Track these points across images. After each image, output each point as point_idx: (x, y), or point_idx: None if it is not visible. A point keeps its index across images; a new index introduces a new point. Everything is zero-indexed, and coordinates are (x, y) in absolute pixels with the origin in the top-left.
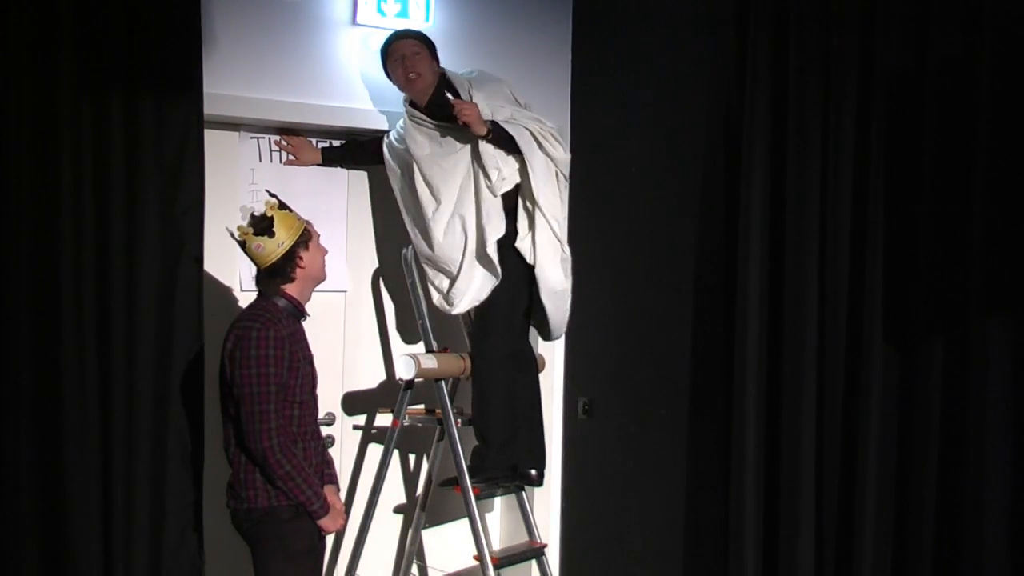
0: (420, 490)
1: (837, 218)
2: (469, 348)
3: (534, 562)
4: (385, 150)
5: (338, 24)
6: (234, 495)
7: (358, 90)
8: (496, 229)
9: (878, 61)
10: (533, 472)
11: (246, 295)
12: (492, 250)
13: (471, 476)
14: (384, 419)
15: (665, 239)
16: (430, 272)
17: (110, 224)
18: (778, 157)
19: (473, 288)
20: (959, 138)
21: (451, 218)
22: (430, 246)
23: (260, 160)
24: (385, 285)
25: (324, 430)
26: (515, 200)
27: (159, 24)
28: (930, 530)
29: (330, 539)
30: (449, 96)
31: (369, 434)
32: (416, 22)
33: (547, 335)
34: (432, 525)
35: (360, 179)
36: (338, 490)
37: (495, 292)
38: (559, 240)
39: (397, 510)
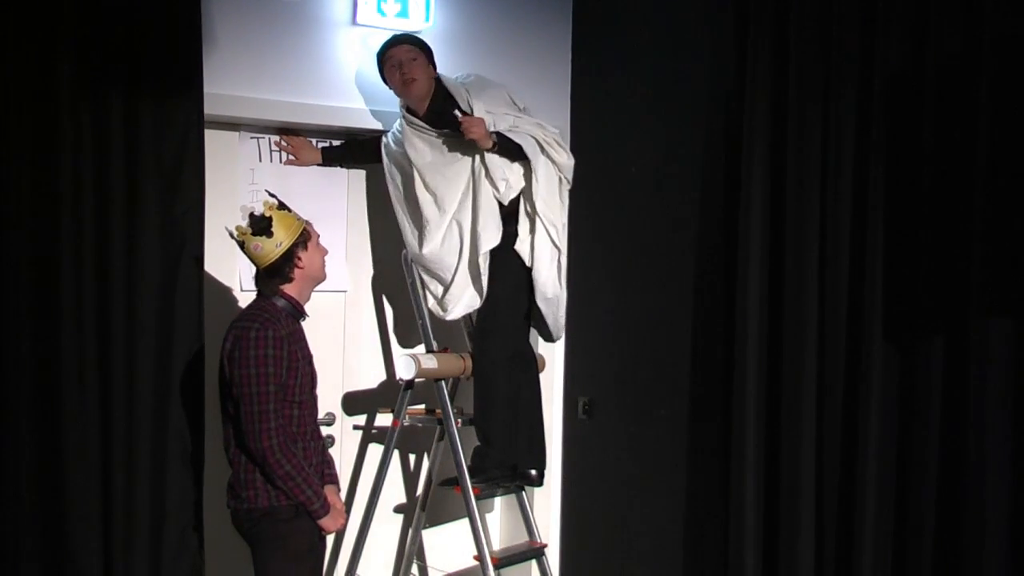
0: (420, 490)
1: (837, 218)
2: (469, 348)
3: (534, 562)
4: (383, 152)
5: (338, 24)
6: (234, 495)
7: (358, 90)
8: (492, 238)
9: (878, 61)
10: (533, 472)
11: (246, 295)
12: (483, 260)
13: (471, 476)
14: (384, 419)
15: (665, 239)
16: (425, 277)
17: (110, 224)
18: (778, 157)
19: (467, 295)
20: (959, 138)
21: (449, 225)
22: (425, 252)
23: (260, 160)
24: (385, 285)
25: (324, 430)
26: (516, 203)
27: (159, 24)
28: (930, 530)
29: (330, 539)
30: (457, 113)
31: (369, 434)
32: (416, 22)
33: (547, 337)
34: (432, 525)
35: (360, 179)
36: (338, 490)
37: (497, 293)
38: (557, 247)
39: (397, 510)
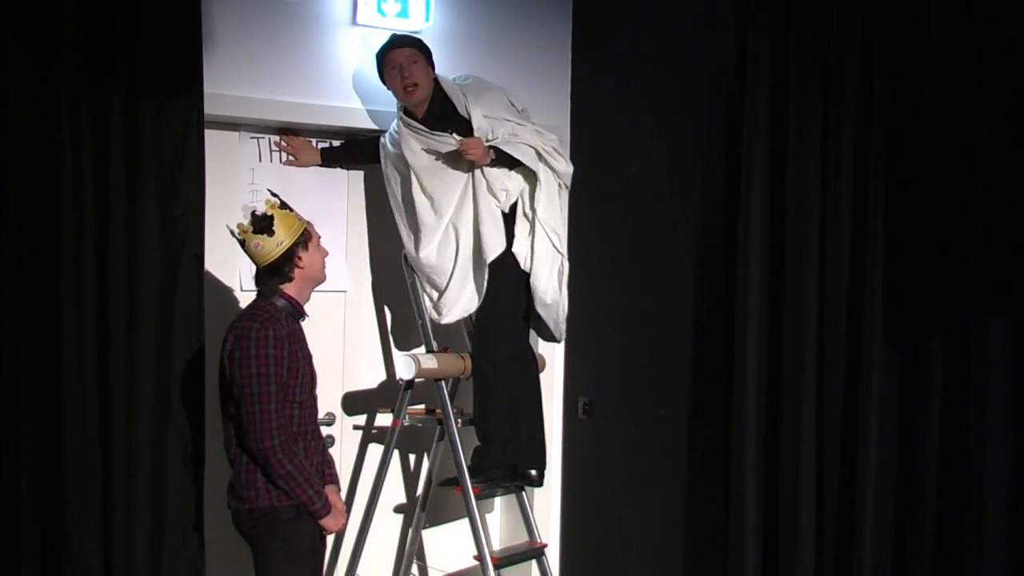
0: (420, 490)
1: (837, 218)
2: (469, 348)
3: (534, 562)
4: (381, 152)
5: (338, 24)
6: (235, 495)
7: (358, 90)
8: (497, 246)
9: (878, 61)
10: (533, 472)
11: (246, 295)
12: (486, 268)
13: (471, 476)
14: (384, 419)
15: (665, 239)
16: (422, 280)
17: (110, 224)
18: (778, 157)
19: (463, 300)
20: (959, 138)
21: (446, 230)
22: (420, 255)
23: (260, 160)
24: (385, 285)
25: (324, 430)
26: (514, 205)
27: (159, 24)
28: (930, 530)
29: (330, 539)
30: (456, 138)
31: (369, 434)
32: (416, 22)
33: (549, 338)
34: (432, 525)
35: (360, 179)
36: (339, 490)
37: (497, 293)
38: (559, 252)
39: (397, 510)
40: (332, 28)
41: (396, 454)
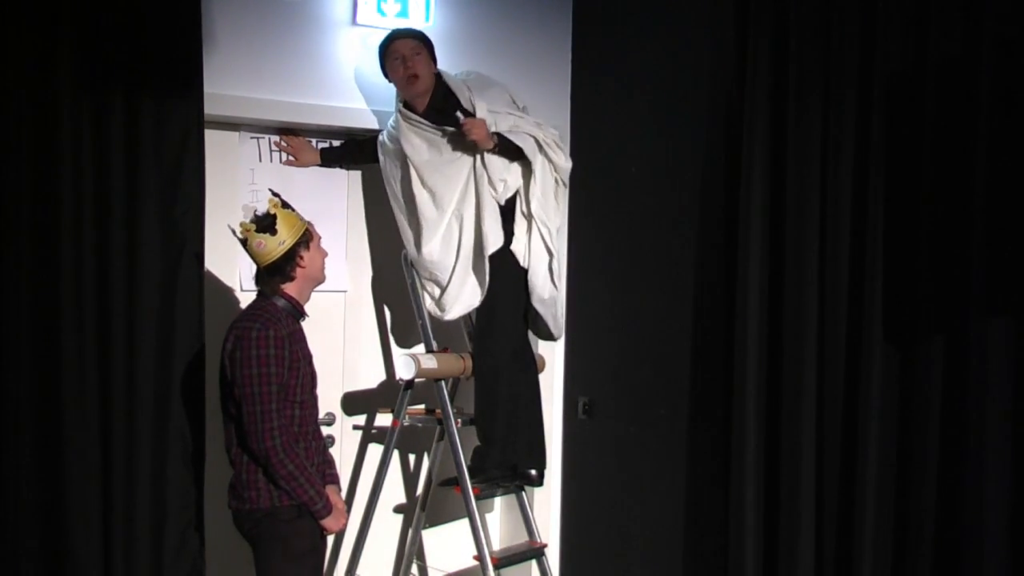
0: (420, 490)
1: (837, 218)
2: (469, 348)
3: (534, 562)
4: (379, 150)
5: (338, 24)
6: (236, 495)
7: (358, 90)
8: (496, 239)
9: (878, 61)
10: (533, 472)
11: (246, 295)
12: (487, 261)
13: (471, 476)
14: (384, 419)
15: (665, 239)
16: (422, 278)
17: (110, 224)
18: (778, 157)
19: (465, 295)
20: (959, 138)
21: (448, 225)
22: (423, 252)
23: (260, 160)
24: (385, 285)
25: (324, 430)
26: (512, 203)
27: (159, 24)
28: (930, 530)
29: (330, 539)
30: (460, 115)
31: (369, 434)
32: (416, 22)
33: (547, 336)
34: (432, 525)
35: (360, 180)
36: (339, 490)
37: (496, 292)
38: (549, 250)
39: (397, 510)
40: (332, 28)
41: (396, 454)
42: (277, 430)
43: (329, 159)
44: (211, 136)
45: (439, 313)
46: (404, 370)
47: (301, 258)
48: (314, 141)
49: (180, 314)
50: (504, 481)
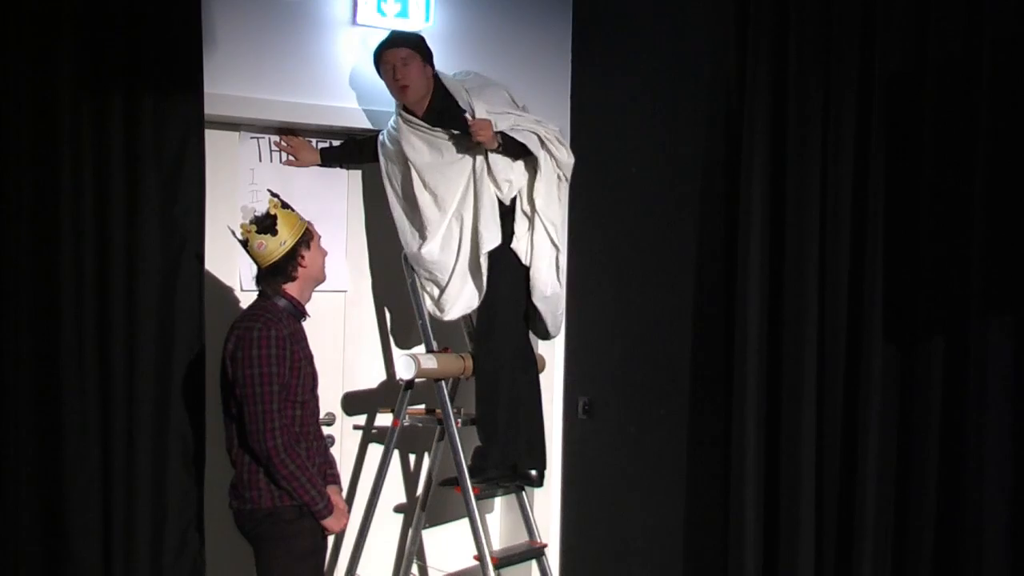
0: (420, 490)
1: (837, 218)
2: (470, 348)
3: (534, 562)
4: (379, 150)
5: (338, 24)
6: (237, 495)
7: (358, 90)
8: (493, 238)
9: (878, 61)
10: (533, 472)
11: (246, 295)
12: (483, 260)
13: (471, 476)
14: (384, 419)
15: (665, 239)
16: (422, 278)
17: (110, 224)
18: (778, 157)
19: (465, 296)
20: (959, 138)
21: (449, 225)
22: (423, 253)
23: (260, 160)
24: (385, 285)
25: (324, 430)
26: (513, 201)
27: (159, 24)
28: (930, 530)
29: (330, 539)
30: (468, 116)
31: (369, 434)
32: (416, 22)
33: (543, 334)
34: (432, 525)
35: (360, 180)
36: (340, 490)
37: (496, 292)
38: (555, 245)
39: (397, 510)
40: (332, 28)
41: (396, 454)
42: (278, 430)
43: (329, 159)
44: (211, 136)
45: (438, 314)
46: (404, 370)
47: (302, 258)
48: (314, 141)
49: (180, 314)
50: (504, 481)
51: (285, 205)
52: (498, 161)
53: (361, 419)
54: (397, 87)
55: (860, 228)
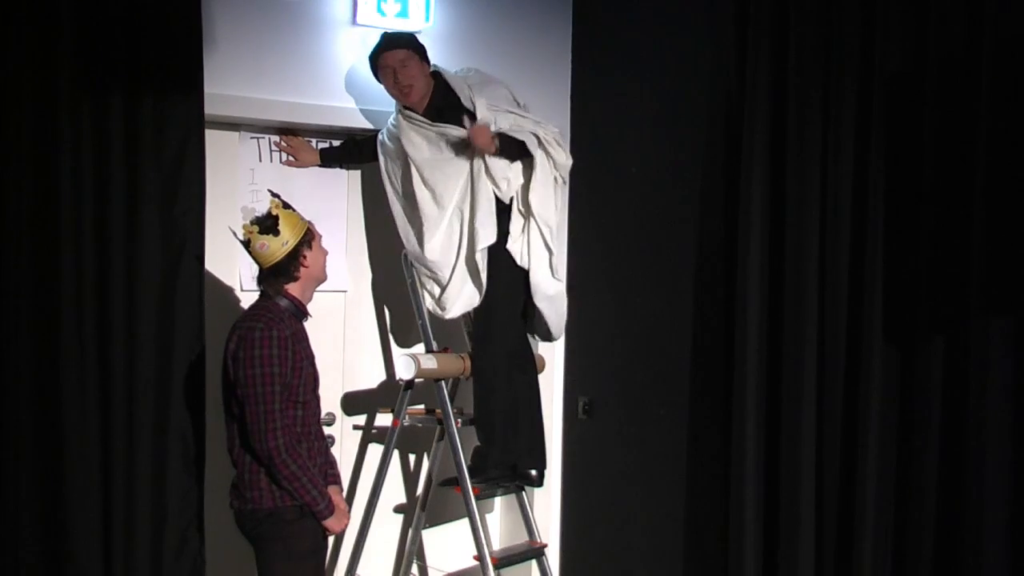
0: (420, 490)
1: (837, 218)
2: (470, 348)
3: (534, 562)
4: (379, 149)
5: (338, 24)
6: (238, 495)
7: (358, 90)
8: (488, 235)
9: (878, 60)
10: (533, 472)
11: (246, 295)
12: (480, 257)
13: (471, 476)
14: (384, 419)
15: (665, 239)
16: (423, 276)
17: (110, 224)
18: (778, 157)
19: (466, 293)
20: (959, 138)
21: (449, 223)
22: (424, 251)
23: (260, 160)
24: (385, 285)
25: (324, 430)
26: (510, 202)
27: (159, 24)
28: (930, 530)
29: (330, 539)
30: (467, 121)
31: (369, 434)
32: (416, 22)
33: (546, 336)
34: (432, 525)
35: (360, 180)
36: (341, 490)
37: (494, 293)
38: (548, 248)
39: (397, 510)
40: (332, 28)
41: (396, 454)
42: (280, 430)
43: (329, 159)
44: (211, 136)
45: (440, 312)
46: (404, 370)
47: (304, 258)
48: (314, 141)
49: (180, 314)
50: (504, 481)
51: (286, 205)
52: (496, 163)
53: (361, 419)
54: (400, 89)
55: (860, 228)
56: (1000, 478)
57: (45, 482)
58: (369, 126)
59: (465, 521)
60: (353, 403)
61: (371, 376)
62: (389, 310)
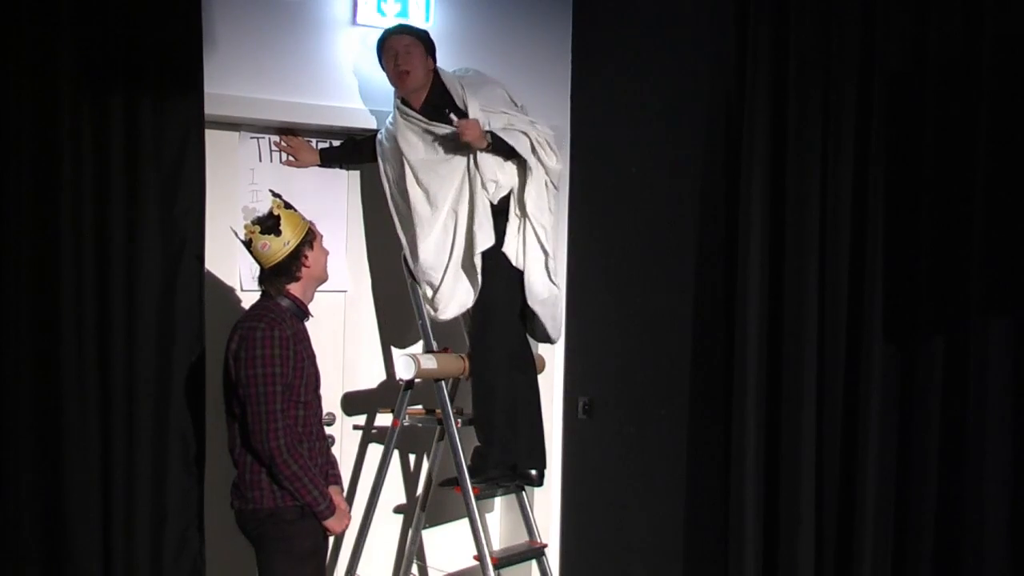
0: (420, 490)
1: (837, 218)
2: (469, 349)
3: (534, 562)
4: (377, 149)
5: (338, 24)
6: (239, 495)
7: (358, 90)
8: (486, 238)
9: (878, 60)
10: (533, 472)
11: (246, 295)
12: (478, 260)
13: (471, 476)
14: (384, 419)
15: (665, 239)
16: (417, 277)
17: (110, 224)
18: (778, 157)
19: (459, 295)
20: (959, 137)
21: (442, 225)
22: (415, 253)
23: (260, 160)
24: (385, 285)
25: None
26: (506, 203)
27: (159, 24)
28: (930, 530)
29: (331, 539)
30: (454, 117)
31: (369, 434)
32: (416, 22)
33: (544, 338)
34: (432, 525)
35: (360, 180)
36: (342, 490)
37: (492, 293)
38: (544, 250)
39: (397, 510)
40: (332, 28)
41: (396, 454)
42: (281, 430)
43: (328, 159)
44: (211, 136)
45: (433, 313)
46: (404, 370)
47: (306, 258)
48: (314, 141)
49: (180, 314)
50: (504, 481)
51: (288, 205)
52: (487, 161)
53: (361, 419)
54: (397, 73)
55: (860, 228)
56: (1000, 478)
57: (45, 482)
58: (368, 126)
59: (465, 521)
60: (353, 403)
61: (371, 376)
62: (389, 310)
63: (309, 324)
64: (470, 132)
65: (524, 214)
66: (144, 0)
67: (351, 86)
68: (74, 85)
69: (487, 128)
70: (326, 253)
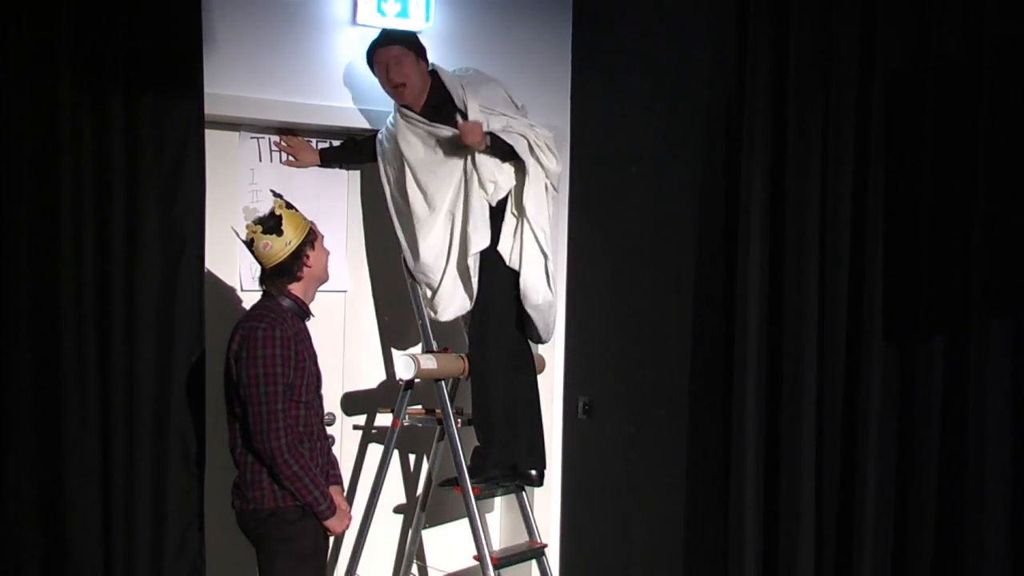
0: (420, 490)
1: (837, 218)
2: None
3: (534, 562)
4: (377, 149)
5: (338, 24)
6: (240, 495)
7: (358, 90)
8: (481, 239)
9: (878, 60)
10: (533, 472)
11: (246, 295)
12: (472, 261)
13: (471, 476)
14: (384, 419)
15: (665, 239)
16: (417, 278)
17: (110, 224)
18: (778, 157)
19: (458, 297)
20: (959, 137)
21: (441, 226)
22: (415, 254)
23: (260, 160)
24: (385, 285)
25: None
26: (503, 203)
27: (159, 24)
28: (930, 530)
29: (331, 539)
30: (459, 119)
31: (369, 434)
32: (416, 22)
33: (536, 339)
34: (432, 525)
35: (360, 180)
36: (343, 490)
37: (490, 294)
38: (543, 252)
39: (397, 510)
40: (332, 28)
41: (396, 454)
42: (283, 430)
43: (328, 159)
44: (211, 136)
45: (433, 315)
46: (404, 370)
47: (307, 258)
48: (314, 141)
49: (180, 314)
50: (504, 481)
51: (289, 205)
52: (485, 162)
53: (361, 419)
54: (392, 86)
55: (860, 228)
56: (1000, 478)
57: (45, 482)
58: (369, 126)
59: (465, 521)
60: (353, 403)
61: (371, 376)
62: (389, 310)
63: (309, 324)
64: (471, 135)
65: (523, 216)
66: (144, 0)
67: (351, 86)
68: (74, 85)
69: (486, 129)
70: (327, 253)
